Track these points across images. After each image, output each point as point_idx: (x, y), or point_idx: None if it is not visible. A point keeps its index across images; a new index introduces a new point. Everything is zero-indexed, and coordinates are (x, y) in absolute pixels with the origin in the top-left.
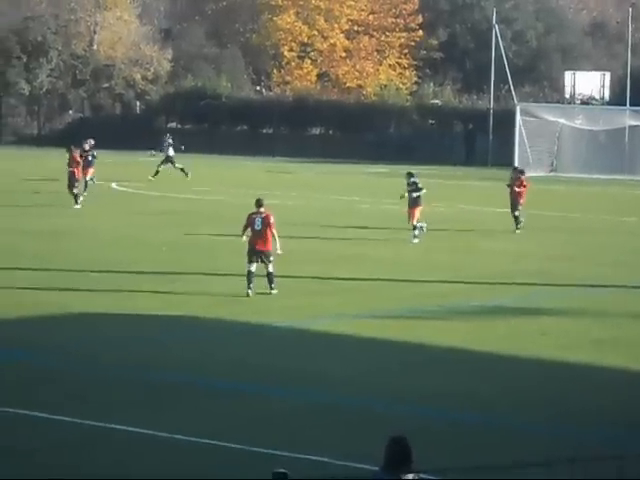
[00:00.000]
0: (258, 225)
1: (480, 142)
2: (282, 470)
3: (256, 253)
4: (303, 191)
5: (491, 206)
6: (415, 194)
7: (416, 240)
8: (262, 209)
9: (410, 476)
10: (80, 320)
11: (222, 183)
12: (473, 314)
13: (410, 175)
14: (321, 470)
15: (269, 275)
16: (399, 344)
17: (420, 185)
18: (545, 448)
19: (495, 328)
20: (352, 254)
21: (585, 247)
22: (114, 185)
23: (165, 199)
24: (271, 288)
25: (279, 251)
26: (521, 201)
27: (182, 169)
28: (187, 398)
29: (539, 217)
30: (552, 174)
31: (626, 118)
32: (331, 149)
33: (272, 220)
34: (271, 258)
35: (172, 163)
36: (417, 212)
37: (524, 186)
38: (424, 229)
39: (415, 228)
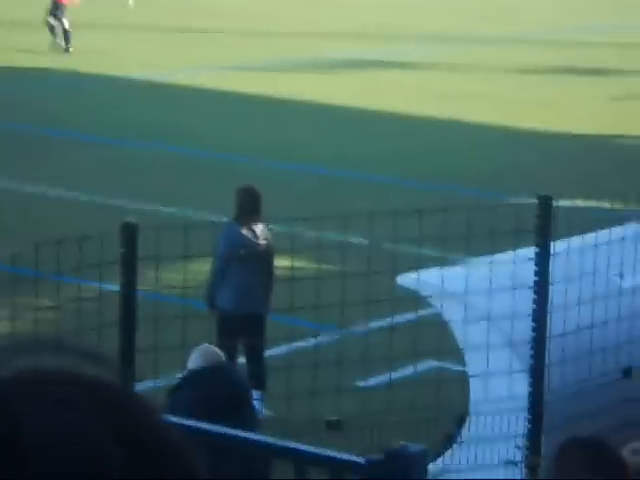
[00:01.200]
0: None
1: None
2: (130, 220)
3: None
4: None
5: None
6: None
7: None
8: None
9: (260, 226)
10: None
11: None
12: (331, 67)
13: None
14: (171, 220)
15: (66, 31)
16: (261, 97)
17: None
18: (404, 200)
19: (350, 81)
20: (207, 4)
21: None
22: None
23: None
24: (67, 44)
25: (130, 2)
26: None
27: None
28: (41, 148)
29: None
30: None
31: None
32: None
33: None
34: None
35: None
36: None
37: None
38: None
39: None
